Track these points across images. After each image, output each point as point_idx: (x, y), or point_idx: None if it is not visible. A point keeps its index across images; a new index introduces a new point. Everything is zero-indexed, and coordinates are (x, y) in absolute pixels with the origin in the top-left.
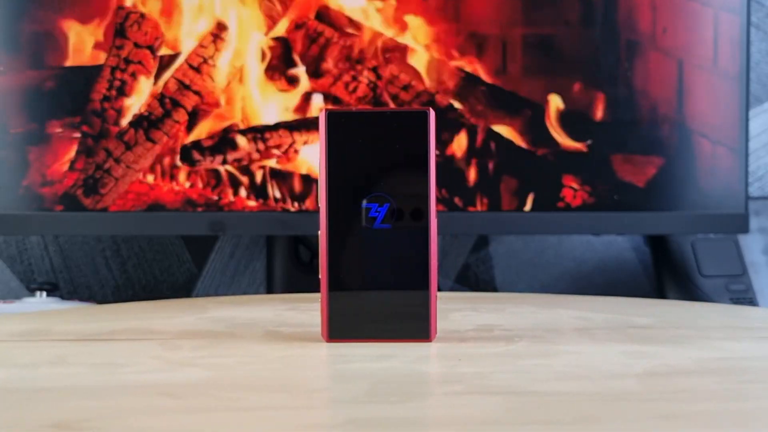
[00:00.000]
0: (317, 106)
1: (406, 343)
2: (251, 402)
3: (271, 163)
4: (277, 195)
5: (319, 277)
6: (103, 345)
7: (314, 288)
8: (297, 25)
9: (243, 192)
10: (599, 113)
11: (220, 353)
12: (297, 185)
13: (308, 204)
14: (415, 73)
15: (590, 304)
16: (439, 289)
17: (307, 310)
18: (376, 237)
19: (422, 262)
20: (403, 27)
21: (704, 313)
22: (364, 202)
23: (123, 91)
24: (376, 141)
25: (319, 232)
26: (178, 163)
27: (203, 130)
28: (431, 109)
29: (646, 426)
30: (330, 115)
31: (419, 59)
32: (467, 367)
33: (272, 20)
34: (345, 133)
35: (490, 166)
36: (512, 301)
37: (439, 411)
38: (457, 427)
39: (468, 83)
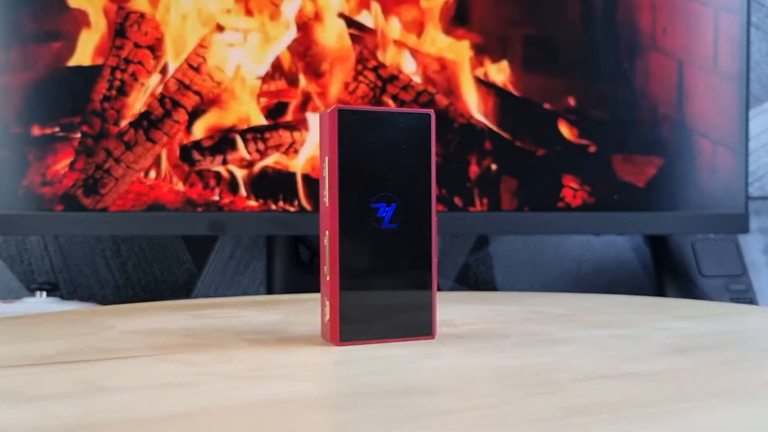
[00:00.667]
0: (316, 106)
1: (412, 341)
2: (430, 407)
3: (272, 163)
4: (277, 195)
5: (326, 278)
6: (116, 365)
7: (314, 288)
8: (297, 26)
9: (243, 192)
10: (599, 113)
11: (266, 364)
12: (297, 185)
13: (308, 204)
14: (415, 73)
15: (496, 299)
16: (439, 289)
17: (274, 313)
18: (384, 237)
19: (426, 261)
20: (403, 27)
21: (586, 303)
22: (372, 202)
23: (123, 91)
24: (385, 141)
25: (327, 231)
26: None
27: (203, 130)
28: (433, 111)
29: (756, 392)
30: (341, 113)
31: (419, 59)
32: (533, 357)
33: (272, 20)
34: (355, 131)
35: (490, 166)
36: (455, 301)
37: (590, 399)
38: (615, 411)
39: (468, 83)
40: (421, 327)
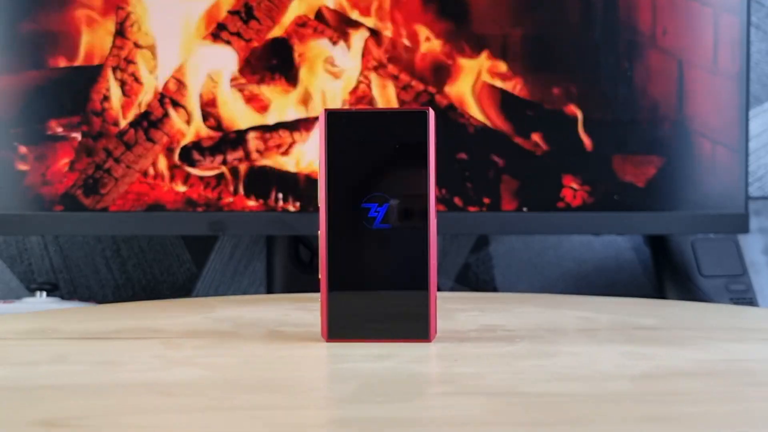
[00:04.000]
0: (317, 106)
1: (406, 343)
2: (241, 401)
3: (271, 162)
4: (278, 195)
5: (319, 276)
6: (108, 344)
7: (314, 288)
8: (298, 25)
9: (242, 192)
10: (599, 113)
11: (219, 352)
12: (297, 185)
13: (308, 204)
14: (415, 73)
15: (596, 305)
16: (439, 289)
17: (313, 310)
18: (376, 237)
19: (421, 262)
20: (403, 26)
21: (711, 314)
22: (363, 202)
23: (123, 91)
24: (376, 141)
25: (319, 232)
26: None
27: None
28: (430, 109)
29: (631, 428)
30: (330, 115)
31: (419, 59)
32: (462, 367)
33: (272, 20)
34: (345, 132)
35: (490, 166)
36: (518, 302)
37: (424, 412)
38: (440, 428)
39: (468, 83)
40: (415, 329)
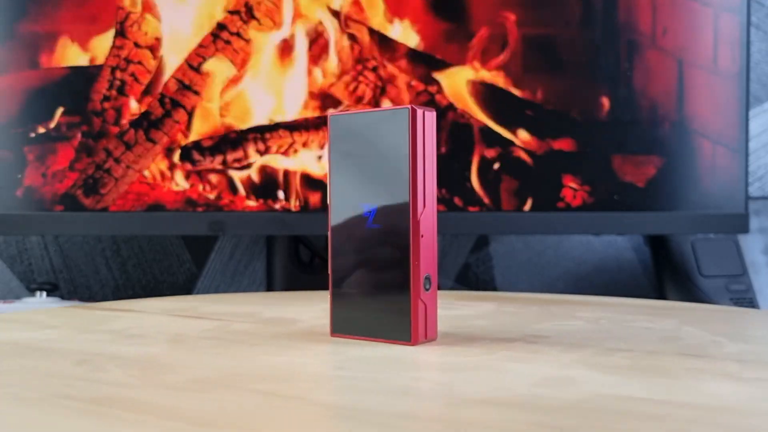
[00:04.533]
0: (316, 106)
1: (390, 344)
2: (111, 376)
3: (272, 163)
4: (278, 195)
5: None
6: (179, 321)
7: (314, 287)
8: (297, 26)
9: (242, 192)
10: (599, 113)
11: (226, 336)
12: (297, 185)
13: (309, 204)
14: (415, 73)
15: (723, 321)
16: (439, 288)
17: None
18: (369, 237)
19: (405, 263)
20: (403, 27)
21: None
22: (359, 203)
23: (123, 91)
24: (368, 141)
25: (329, 232)
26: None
27: (203, 130)
28: (412, 106)
29: None
30: (332, 119)
31: (419, 59)
32: (365, 372)
33: (272, 21)
34: (345, 134)
35: (490, 166)
36: (660, 311)
37: (235, 407)
38: (220, 425)
39: (468, 83)
40: (398, 331)
